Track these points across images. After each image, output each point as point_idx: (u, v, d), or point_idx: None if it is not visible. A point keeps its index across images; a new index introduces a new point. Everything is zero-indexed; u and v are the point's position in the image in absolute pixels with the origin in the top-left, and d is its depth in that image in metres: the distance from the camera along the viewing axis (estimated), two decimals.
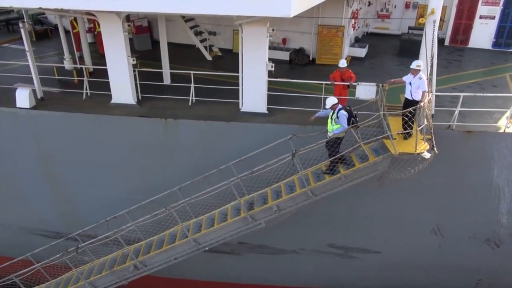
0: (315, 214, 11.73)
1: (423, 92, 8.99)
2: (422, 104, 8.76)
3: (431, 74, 9.98)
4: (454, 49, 17.05)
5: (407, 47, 15.73)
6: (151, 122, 11.28)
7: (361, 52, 16.03)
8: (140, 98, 12.28)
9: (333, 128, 9.42)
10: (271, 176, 10.05)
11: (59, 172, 12.66)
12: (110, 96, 12.09)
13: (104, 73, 12.01)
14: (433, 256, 12.47)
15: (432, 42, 9.76)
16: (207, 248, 10.39)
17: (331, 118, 9.46)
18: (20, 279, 11.05)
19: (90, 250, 10.72)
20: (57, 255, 10.59)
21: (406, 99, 9.53)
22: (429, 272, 12.90)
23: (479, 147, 10.51)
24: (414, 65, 9.18)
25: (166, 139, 11.39)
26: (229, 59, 16.21)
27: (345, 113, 9.19)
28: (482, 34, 16.83)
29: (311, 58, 15.99)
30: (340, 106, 9.42)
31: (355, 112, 9.45)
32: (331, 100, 9.49)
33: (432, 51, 9.77)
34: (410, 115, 8.82)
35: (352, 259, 12.88)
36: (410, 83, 9.31)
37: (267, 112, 11.37)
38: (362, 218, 11.88)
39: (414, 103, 9.12)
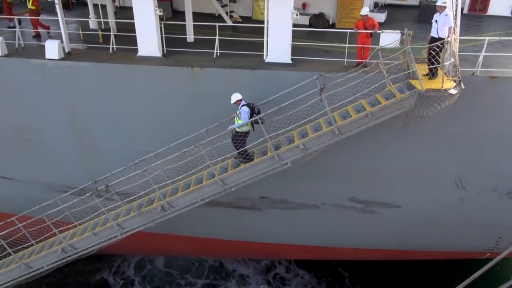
0: (336, 167, 11.89)
1: (449, 28, 9.11)
2: (448, 39, 8.89)
3: (455, 18, 10.08)
4: (472, 17, 17.10)
5: (426, 13, 15.71)
6: (178, 71, 11.49)
7: (381, 17, 16.14)
8: (165, 52, 12.52)
9: (237, 123, 10.08)
10: (297, 117, 10.23)
11: (85, 126, 12.93)
12: (135, 51, 12.34)
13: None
14: (454, 210, 12.51)
15: None
16: (233, 189, 10.56)
17: (236, 114, 10.17)
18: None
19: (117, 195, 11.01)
20: (87, 194, 10.83)
21: (432, 38, 9.63)
22: (450, 228, 12.94)
23: (503, 94, 10.55)
24: (440, 1, 9.31)
25: (192, 89, 11.60)
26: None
27: (247, 109, 9.94)
28: (501, 1, 16.87)
29: (331, 23, 16.17)
30: (243, 102, 10.16)
31: (258, 108, 10.18)
32: (235, 96, 10.22)
33: None
34: (437, 50, 8.94)
35: (372, 214, 12.97)
36: (436, 21, 9.44)
37: (291, 62, 11.53)
38: (383, 170, 11.98)
39: (440, 40, 9.24)
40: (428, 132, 10.75)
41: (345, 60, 11.29)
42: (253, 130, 10.34)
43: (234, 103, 10.26)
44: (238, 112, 10.17)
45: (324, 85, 9.23)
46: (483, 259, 14.77)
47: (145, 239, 14.02)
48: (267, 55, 11.71)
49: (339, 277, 17.73)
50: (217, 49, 12.15)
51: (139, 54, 12.26)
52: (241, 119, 10.06)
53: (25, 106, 12.97)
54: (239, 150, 10.33)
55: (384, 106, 9.36)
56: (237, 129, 10.25)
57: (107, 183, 10.63)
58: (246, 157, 10.47)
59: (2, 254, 11.96)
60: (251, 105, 10.16)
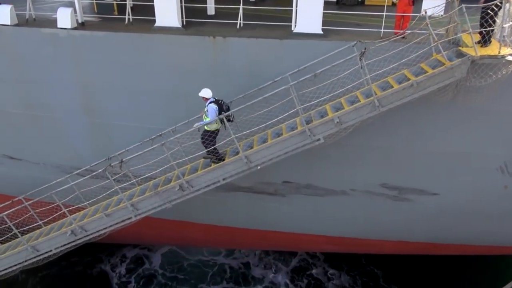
0: (368, 149, 10.89)
1: None
2: None
3: None
4: None
5: None
6: (198, 41, 10.60)
7: None
8: (185, 23, 11.64)
9: (205, 120, 9.64)
10: (330, 90, 9.26)
11: (98, 102, 12.12)
12: (153, 22, 11.50)
13: None
14: (497, 199, 11.35)
15: None
16: (259, 168, 9.62)
17: (204, 111, 9.72)
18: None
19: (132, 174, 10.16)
20: (99, 170, 9.99)
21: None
22: (492, 219, 11.78)
23: None
24: None
25: (214, 60, 10.70)
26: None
27: (215, 106, 9.44)
28: None
29: (360, 0, 15.18)
30: (211, 99, 9.62)
31: (227, 106, 9.70)
32: (204, 92, 9.71)
33: None
34: (495, 10, 7.90)
35: (406, 202, 11.90)
36: None
37: (322, 33, 10.55)
38: (421, 153, 10.91)
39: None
40: (472, 111, 9.74)
41: (382, 30, 10.28)
42: (225, 128, 9.70)
43: (204, 99, 9.74)
44: (205, 109, 9.62)
45: (365, 48, 8.23)
46: None
47: (158, 226, 13.22)
48: (295, 25, 10.74)
49: (372, 275, 16.73)
50: (240, 20, 11.23)
51: (156, 24, 11.38)
52: (208, 117, 9.49)
53: (34, 81, 12.20)
54: (208, 149, 9.72)
55: (432, 75, 8.34)
56: (206, 127, 9.67)
57: (121, 158, 9.75)
58: (217, 156, 9.82)
59: (8, 235, 11.18)
60: (220, 102, 9.63)
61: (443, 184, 11.43)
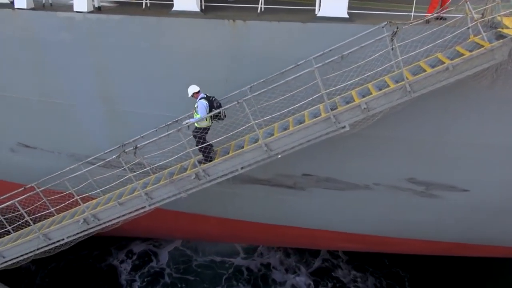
0: (393, 141, 10.27)
1: None
2: None
3: None
4: None
5: None
6: (218, 25, 10.16)
7: None
8: (203, 7, 11.23)
9: (195, 117, 9.39)
10: (358, 73, 8.68)
11: (114, 88, 11.80)
12: (171, 7, 11.12)
13: None
14: None
15: None
16: (279, 156, 9.11)
17: (194, 108, 9.50)
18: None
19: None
20: (113, 156, 9.65)
21: None
22: None
23: None
24: None
25: (233, 45, 10.25)
26: None
27: (205, 102, 9.26)
28: None
29: None
30: (201, 95, 9.43)
31: (218, 103, 9.45)
32: (192, 89, 9.55)
33: None
34: None
35: (433, 199, 11.22)
36: None
37: (347, 16, 9.98)
38: (452, 146, 10.23)
39: None
40: (510, 99, 9.04)
41: (412, 14, 9.65)
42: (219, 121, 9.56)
43: (191, 96, 9.53)
44: (195, 106, 9.43)
45: (397, 28, 7.64)
46: None
47: (172, 218, 12.89)
48: (319, 9, 10.20)
49: (397, 277, 16.01)
50: (261, 4, 10.76)
51: (174, 8, 10.97)
52: (199, 114, 9.26)
53: (50, 66, 11.96)
54: (198, 147, 9.44)
55: (470, 57, 7.70)
56: (196, 124, 9.33)
57: (135, 145, 9.39)
58: (206, 155, 9.51)
59: (20, 223, 10.94)
60: (211, 98, 9.41)
61: (475, 180, 10.71)
